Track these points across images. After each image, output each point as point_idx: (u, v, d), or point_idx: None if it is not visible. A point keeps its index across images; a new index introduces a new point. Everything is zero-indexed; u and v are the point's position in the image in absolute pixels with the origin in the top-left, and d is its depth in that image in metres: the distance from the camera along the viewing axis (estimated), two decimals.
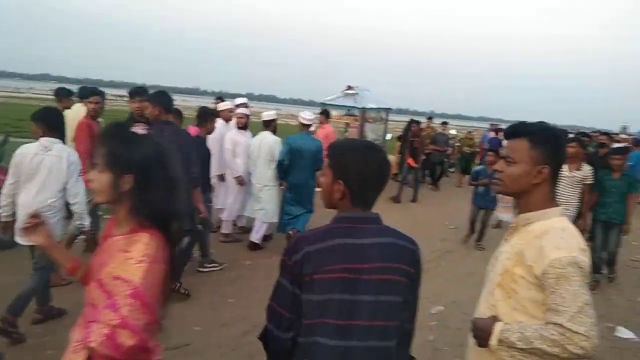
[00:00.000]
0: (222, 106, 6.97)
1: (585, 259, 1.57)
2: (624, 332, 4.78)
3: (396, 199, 10.15)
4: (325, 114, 9.15)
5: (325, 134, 8.59)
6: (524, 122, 1.83)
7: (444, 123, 13.89)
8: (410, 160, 10.28)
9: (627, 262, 7.01)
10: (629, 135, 15.59)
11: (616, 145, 7.43)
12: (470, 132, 14.88)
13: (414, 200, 10.47)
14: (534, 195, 1.72)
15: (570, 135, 7.43)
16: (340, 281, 1.53)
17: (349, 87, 10.81)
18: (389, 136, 12.21)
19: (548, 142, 1.72)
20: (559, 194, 5.66)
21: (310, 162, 6.23)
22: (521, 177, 1.71)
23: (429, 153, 12.03)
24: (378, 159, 1.64)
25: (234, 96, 8.83)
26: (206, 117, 5.46)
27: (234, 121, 6.79)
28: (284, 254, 1.61)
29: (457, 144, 13.87)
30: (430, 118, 13.95)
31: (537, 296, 1.60)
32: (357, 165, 1.59)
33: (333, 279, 1.53)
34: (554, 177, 1.74)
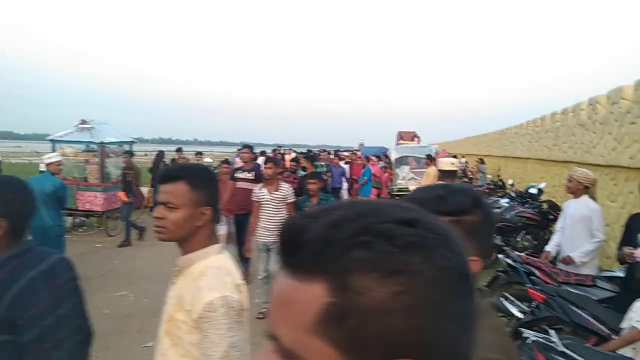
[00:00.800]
0: None
1: (237, 297, 1.60)
2: None
3: (125, 242, 9.26)
4: None
5: None
6: (181, 165, 1.83)
7: (199, 153, 13.88)
8: (121, 194, 9.38)
9: None
10: (357, 151, 17.97)
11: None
12: (226, 159, 15.16)
13: (127, 241, 9.37)
14: (197, 237, 1.69)
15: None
16: (51, 306, 1.66)
17: (83, 121, 9.96)
18: None
19: (207, 183, 1.73)
20: (265, 218, 5.63)
21: (51, 204, 6.02)
22: (185, 221, 1.65)
23: None
24: (28, 190, 1.77)
25: None
26: None
27: None
28: None
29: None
30: (179, 150, 13.79)
31: (199, 339, 1.58)
32: (18, 201, 1.69)
33: (46, 307, 1.64)
34: (215, 216, 1.76)
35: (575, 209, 4.66)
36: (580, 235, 4.59)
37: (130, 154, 10.04)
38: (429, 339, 0.48)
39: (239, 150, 18.73)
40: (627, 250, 3.67)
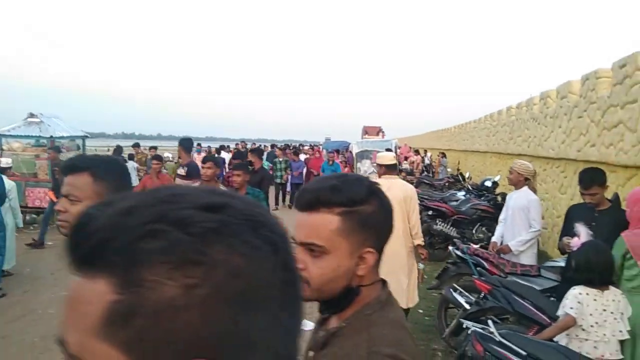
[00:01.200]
0: None
1: None
2: (307, 325, 5.34)
3: (38, 243, 8.21)
4: None
5: None
6: (83, 155, 1.73)
7: (152, 148, 13.59)
8: (51, 193, 8.61)
9: None
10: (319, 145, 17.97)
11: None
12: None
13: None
14: None
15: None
16: None
17: (32, 115, 9.58)
18: None
19: (114, 175, 1.63)
20: None
21: None
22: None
23: None
24: None
25: None
26: None
27: None
28: None
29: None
30: (136, 145, 13.48)
31: None
32: None
33: None
34: None
35: (515, 200, 4.82)
36: (519, 225, 4.74)
37: (57, 150, 9.47)
38: (233, 336, 0.43)
39: (198, 145, 18.49)
40: (565, 240, 3.78)
